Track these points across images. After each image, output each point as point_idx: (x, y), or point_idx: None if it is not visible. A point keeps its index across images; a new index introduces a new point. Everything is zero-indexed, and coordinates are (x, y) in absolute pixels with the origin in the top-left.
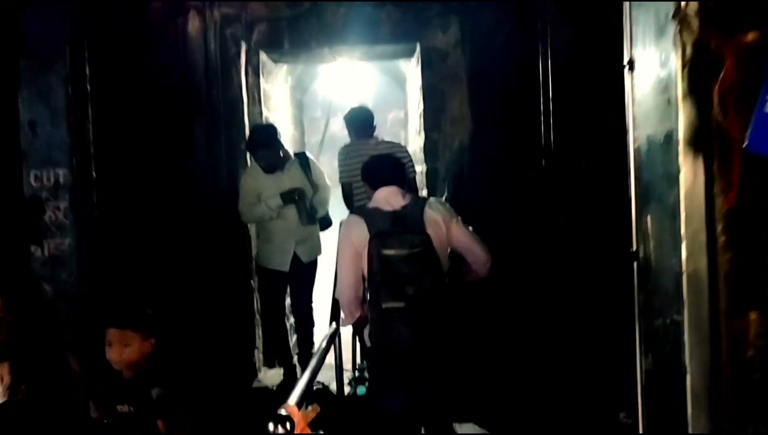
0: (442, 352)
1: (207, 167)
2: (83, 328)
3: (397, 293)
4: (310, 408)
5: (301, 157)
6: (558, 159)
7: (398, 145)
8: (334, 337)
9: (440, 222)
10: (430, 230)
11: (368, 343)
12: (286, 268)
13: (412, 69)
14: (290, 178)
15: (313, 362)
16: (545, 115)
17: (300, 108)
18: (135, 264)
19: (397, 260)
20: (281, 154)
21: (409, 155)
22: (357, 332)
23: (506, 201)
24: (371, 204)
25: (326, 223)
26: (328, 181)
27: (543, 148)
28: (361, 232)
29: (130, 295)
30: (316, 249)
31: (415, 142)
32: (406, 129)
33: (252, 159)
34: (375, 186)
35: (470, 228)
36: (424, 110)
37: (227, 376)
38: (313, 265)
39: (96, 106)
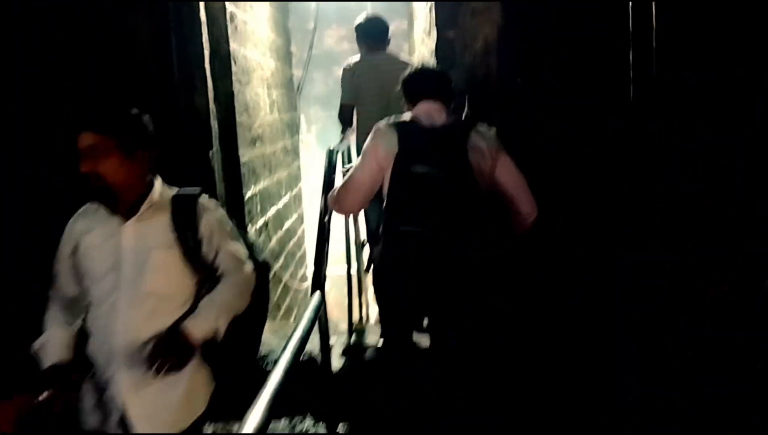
0: (461, 291)
1: (153, 76)
2: None
3: (418, 218)
4: None
5: (185, 199)
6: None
7: (409, 64)
8: (318, 310)
9: (486, 152)
10: (472, 157)
11: (373, 258)
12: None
13: None
14: (139, 239)
15: (292, 344)
16: None
17: (284, 12)
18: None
19: (426, 181)
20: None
21: None
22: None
23: (549, 123)
24: (408, 117)
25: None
26: (242, 250)
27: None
28: (389, 144)
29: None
30: (199, 403)
31: (423, 46)
32: (410, 40)
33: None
34: (415, 99)
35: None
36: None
37: None
38: None
39: None
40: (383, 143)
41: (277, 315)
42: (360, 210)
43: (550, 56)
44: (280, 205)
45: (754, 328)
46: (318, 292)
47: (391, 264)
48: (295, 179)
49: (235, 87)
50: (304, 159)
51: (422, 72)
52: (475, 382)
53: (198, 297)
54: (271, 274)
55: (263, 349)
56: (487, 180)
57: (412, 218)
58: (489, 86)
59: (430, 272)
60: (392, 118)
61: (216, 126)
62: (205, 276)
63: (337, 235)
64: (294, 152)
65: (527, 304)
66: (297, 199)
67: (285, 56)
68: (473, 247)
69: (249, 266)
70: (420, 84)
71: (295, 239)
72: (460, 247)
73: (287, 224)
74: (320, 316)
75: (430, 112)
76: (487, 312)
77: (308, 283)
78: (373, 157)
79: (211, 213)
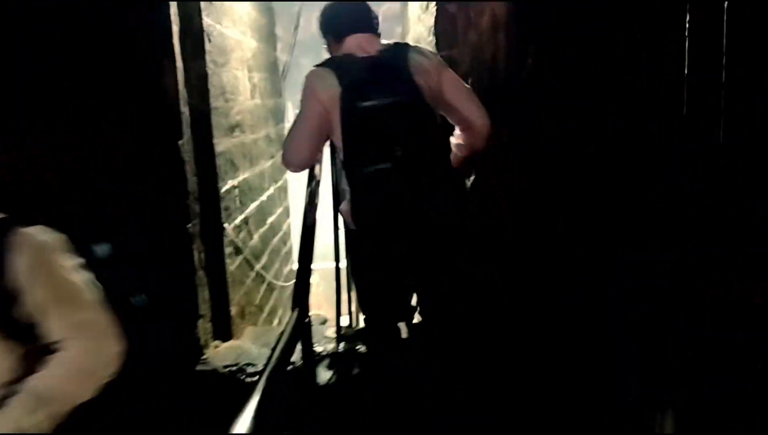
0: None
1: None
2: None
3: (381, 155)
4: None
5: None
6: None
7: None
8: (299, 326)
9: (431, 70)
10: (418, 78)
11: (350, 223)
12: None
13: None
14: None
15: (272, 363)
16: None
17: None
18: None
19: (379, 114)
20: None
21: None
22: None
23: (549, 123)
24: (339, 53)
25: None
26: (84, 310)
27: None
28: (329, 84)
29: None
30: None
31: (420, 24)
32: (404, 20)
33: None
34: (340, 35)
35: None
36: None
37: (159, 357)
38: None
39: None
40: (321, 84)
41: (259, 318)
42: (311, 162)
43: (550, 56)
44: (263, 198)
45: (754, 328)
46: (298, 311)
47: (363, 213)
48: (279, 170)
49: (210, 68)
50: None
51: (341, 5)
52: (473, 380)
53: (26, 376)
54: (252, 274)
55: (242, 359)
56: (436, 99)
57: (377, 157)
58: (496, 70)
59: (405, 216)
60: (324, 61)
61: (187, 112)
62: (38, 347)
63: (325, 227)
64: (279, 141)
65: (526, 302)
66: (282, 192)
67: (268, 37)
68: (443, 203)
69: (97, 333)
70: (343, 17)
71: (280, 234)
72: (428, 201)
73: (271, 219)
74: (301, 330)
75: (360, 44)
76: (464, 278)
77: (294, 281)
78: (314, 99)
79: (33, 253)
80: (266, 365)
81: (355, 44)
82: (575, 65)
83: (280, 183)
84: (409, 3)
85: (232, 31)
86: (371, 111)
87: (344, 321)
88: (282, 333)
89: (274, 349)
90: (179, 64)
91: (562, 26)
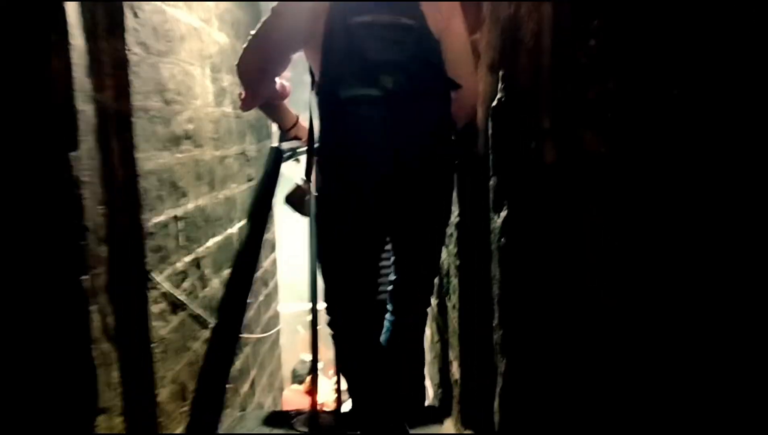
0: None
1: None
2: None
3: (367, 80)
4: None
5: None
6: None
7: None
8: None
9: (441, 6)
10: (426, 8)
11: (313, 191)
12: None
13: None
14: None
15: None
16: None
17: None
18: None
19: (372, 33)
20: None
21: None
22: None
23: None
24: None
25: None
26: None
27: None
28: None
29: None
30: None
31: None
32: None
33: None
34: None
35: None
36: None
37: None
38: None
39: None
40: None
41: None
42: (267, 79)
43: (623, 35)
44: (232, 231)
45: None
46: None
47: (330, 147)
48: None
49: (135, 53)
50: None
51: None
52: None
53: None
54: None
55: None
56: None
57: (359, 82)
58: (540, 57)
59: (384, 161)
60: None
61: (90, 111)
62: None
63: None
64: (259, 161)
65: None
66: None
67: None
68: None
69: None
70: None
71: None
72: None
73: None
74: None
75: None
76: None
77: (278, 328)
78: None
79: None
80: None
81: None
82: (661, 48)
83: None
84: None
85: (185, 14)
86: (362, 29)
87: (329, 396)
88: None
89: None
90: (77, 41)
91: None
